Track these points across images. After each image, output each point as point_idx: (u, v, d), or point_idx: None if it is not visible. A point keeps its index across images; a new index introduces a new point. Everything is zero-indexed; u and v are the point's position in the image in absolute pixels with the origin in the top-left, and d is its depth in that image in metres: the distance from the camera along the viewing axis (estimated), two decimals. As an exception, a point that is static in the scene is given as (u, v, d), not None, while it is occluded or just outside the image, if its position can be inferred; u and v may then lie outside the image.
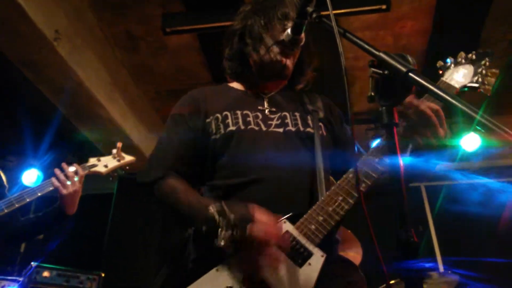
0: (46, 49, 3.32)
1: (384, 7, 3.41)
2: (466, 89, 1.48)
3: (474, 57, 1.54)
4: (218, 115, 1.50)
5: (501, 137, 0.77)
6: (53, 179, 2.24)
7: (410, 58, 0.95)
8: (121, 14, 3.85)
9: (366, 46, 1.04)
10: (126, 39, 4.15)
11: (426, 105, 1.26)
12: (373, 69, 0.96)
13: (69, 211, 2.24)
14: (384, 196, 1.44)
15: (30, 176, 5.24)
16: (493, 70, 1.49)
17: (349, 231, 3.19)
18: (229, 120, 1.48)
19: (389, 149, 0.95)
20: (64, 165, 2.30)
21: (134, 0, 3.70)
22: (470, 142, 4.93)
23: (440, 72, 1.56)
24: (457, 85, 1.46)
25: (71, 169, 2.29)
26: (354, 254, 3.14)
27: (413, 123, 1.26)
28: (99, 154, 4.82)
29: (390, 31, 4.11)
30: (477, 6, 3.72)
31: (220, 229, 1.16)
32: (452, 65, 1.55)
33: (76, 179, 2.27)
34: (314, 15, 1.27)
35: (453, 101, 0.81)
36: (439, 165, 1.35)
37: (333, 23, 1.14)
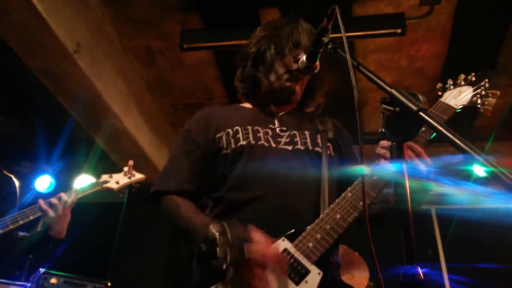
0: (67, 61, 3.40)
1: (399, 31, 3.44)
2: (459, 110, 1.49)
3: (473, 78, 1.57)
4: (229, 130, 1.53)
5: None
6: (41, 202, 2.22)
7: (421, 97, 0.97)
8: (141, 29, 3.94)
9: (379, 82, 1.07)
10: (145, 53, 4.23)
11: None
12: (384, 105, 0.98)
13: (56, 235, 2.20)
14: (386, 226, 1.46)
15: (43, 182, 5.33)
16: (494, 91, 1.52)
17: (356, 253, 3.19)
18: (240, 135, 1.51)
19: (397, 187, 0.96)
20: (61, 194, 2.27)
21: (154, 16, 3.79)
22: (480, 167, 4.86)
23: (439, 93, 1.58)
24: (456, 106, 1.48)
25: (62, 196, 2.27)
26: (361, 278, 3.12)
27: None
28: (111, 163, 4.89)
29: (405, 54, 4.13)
30: (493, 31, 3.72)
31: (218, 249, 1.17)
32: (452, 87, 1.57)
33: (66, 204, 2.24)
34: (329, 46, 1.30)
35: (459, 143, 0.83)
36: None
37: (348, 57, 1.16)
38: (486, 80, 1.54)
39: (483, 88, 1.51)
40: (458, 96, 1.51)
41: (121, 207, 5.45)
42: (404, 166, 0.95)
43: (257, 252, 1.18)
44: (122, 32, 4.01)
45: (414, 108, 0.92)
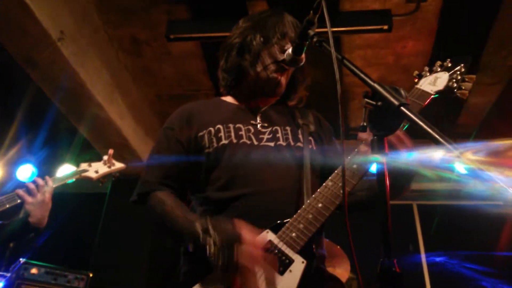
0: (50, 49, 3.34)
1: (385, 27, 3.46)
2: (436, 95, 1.52)
3: (449, 64, 1.59)
4: (211, 128, 1.52)
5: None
6: (18, 190, 2.20)
7: (402, 92, 0.98)
8: (126, 18, 3.89)
9: (362, 76, 1.07)
10: (130, 42, 4.18)
11: None
12: (366, 99, 0.99)
13: (36, 224, 2.16)
14: (366, 213, 1.49)
15: (25, 172, 5.24)
16: (470, 76, 1.54)
17: (338, 246, 3.22)
18: (222, 134, 1.50)
19: (377, 177, 0.97)
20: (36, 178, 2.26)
21: (141, 5, 3.74)
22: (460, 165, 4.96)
23: (416, 80, 1.60)
24: (431, 91, 1.50)
25: (41, 181, 2.25)
26: (342, 271, 3.16)
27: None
28: (95, 153, 4.83)
29: (391, 50, 4.17)
30: (478, 30, 3.78)
31: (208, 247, 1.18)
32: (428, 73, 1.60)
33: (46, 188, 2.23)
34: (315, 39, 1.30)
35: (439, 138, 0.84)
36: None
37: (332, 50, 1.17)
38: (462, 65, 1.56)
39: (458, 72, 1.54)
40: (435, 82, 1.54)
41: (104, 198, 5.40)
42: (384, 160, 0.97)
43: (246, 256, 1.18)
44: (107, 21, 3.94)
45: (396, 102, 0.94)
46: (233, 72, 1.64)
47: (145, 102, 5.08)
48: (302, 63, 1.50)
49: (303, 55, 1.46)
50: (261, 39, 1.58)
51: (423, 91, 1.51)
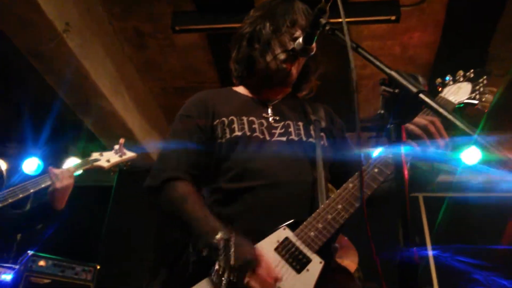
0: (56, 41, 3.33)
1: (393, 18, 3.44)
2: (461, 105, 1.52)
3: (472, 75, 1.59)
4: (224, 119, 1.51)
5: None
6: (50, 171, 2.25)
7: (420, 79, 0.97)
8: (131, 10, 3.87)
9: (378, 63, 1.06)
10: (135, 35, 4.16)
11: (422, 117, 1.30)
12: (384, 87, 0.97)
13: (57, 206, 2.22)
14: (382, 208, 1.47)
15: (31, 165, 5.25)
16: (491, 88, 1.54)
17: (345, 237, 3.21)
18: (235, 125, 1.49)
19: (395, 165, 0.96)
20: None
21: (145, -3, 3.72)
22: (471, 156, 4.95)
23: (439, 89, 1.60)
24: (455, 101, 1.50)
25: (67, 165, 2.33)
26: (350, 262, 3.15)
27: (411, 133, 1.29)
28: (100, 145, 4.84)
29: (398, 41, 4.13)
30: (486, 22, 3.74)
31: (217, 264, 1.15)
32: (451, 82, 1.60)
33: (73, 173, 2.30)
34: (327, 27, 1.28)
35: (459, 123, 0.83)
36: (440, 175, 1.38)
37: (347, 38, 1.15)
38: (485, 77, 1.55)
39: (481, 85, 1.53)
40: (458, 92, 1.54)
41: (110, 190, 5.41)
42: (402, 152, 0.95)
43: (259, 281, 1.16)
44: (112, 13, 3.92)
45: (414, 89, 0.92)
46: (244, 63, 1.63)
47: (149, 95, 5.07)
48: (312, 53, 1.48)
49: (314, 45, 1.44)
50: (271, 27, 1.56)
51: (447, 100, 1.50)
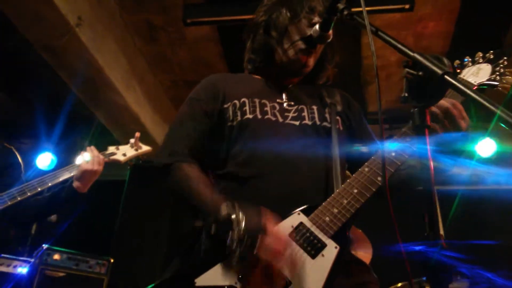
0: (68, 35, 3.34)
1: (407, 6, 3.38)
2: (484, 87, 1.49)
3: (492, 56, 1.54)
4: (236, 101, 1.49)
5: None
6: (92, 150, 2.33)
7: (445, 60, 0.94)
8: (142, 3, 3.86)
9: (400, 46, 1.03)
10: (146, 28, 4.15)
11: (444, 100, 1.27)
12: (407, 69, 0.95)
13: (81, 190, 2.30)
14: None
15: (44, 160, 5.30)
16: (511, 70, 1.50)
17: (359, 230, 3.18)
18: (247, 108, 1.47)
19: (419, 150, 0.94)
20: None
21: (156, -11, 3.71)
22: (486, 147, 4.87)
23: (458, 70, 1.56)
24: (475, 83, 1.47)
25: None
26: (364, 254, 3.12)
27: (433, 115, 1.26)
28: (113, 140, 4.86)
29: (411, 31, 4.07)
30: (501, 11, 3.66)
31: (230, 235, 1.15)
32: (470, 64, 1.56)
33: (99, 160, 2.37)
34: (345, 12, 1.26)
35: (489, 105, 0.80)
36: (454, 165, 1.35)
37: (366, 21, 1.13)
38: (505, 58, 1.51)
39: (501, 66, 1.49)
40: (477, 73, 1.50)
41: (123, 185, 5.44)
42: (428, 140, 0.92)
43: (269, 250, 1.15)
44: (123, 6, 3.92)
45: (439, 71, 0.90)
46: (261, 52, 1.59)
47: (160, 88, 5.07)
48: (329, 39, 1.45)
49: (331, 31, 1.42)
50: (288, 14, 1.52)
51: (466, 81, 1.47)
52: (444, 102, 1.26)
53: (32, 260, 3.34)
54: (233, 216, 1.16)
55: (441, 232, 0.90)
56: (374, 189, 1.26)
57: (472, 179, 5.26)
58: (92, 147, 2.40)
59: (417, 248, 0.81)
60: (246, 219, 1.16)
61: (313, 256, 1.20)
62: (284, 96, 1.56)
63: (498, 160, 4.98)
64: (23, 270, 3.14)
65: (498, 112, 0.75)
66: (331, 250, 1.20)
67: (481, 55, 1.55)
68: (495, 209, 4.79)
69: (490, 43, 3.89)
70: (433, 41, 4.16)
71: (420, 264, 0.84)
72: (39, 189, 2.22)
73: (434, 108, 1.24)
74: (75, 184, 2.28)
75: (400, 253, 0.92)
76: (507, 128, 0.79)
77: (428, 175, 0.93)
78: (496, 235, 4.60)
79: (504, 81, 1.48)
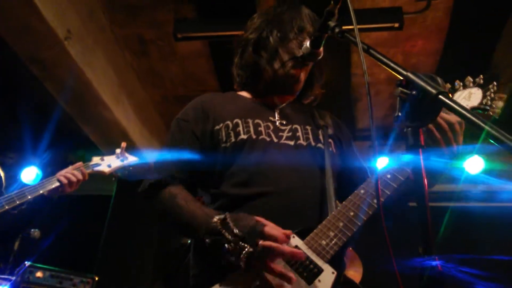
0: (57, 48, 3.30)
1: (397, 25, 3.42)
2: (478, 111, 1.50)
3: (481, 81, 1.56)
4: (229, 122, 1.47)
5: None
6: (61, 178, 2.23)
7: (439, 80, 0.93)
8: (133, 17, 3.85)
9: (393, 65, 1.02)
10: (137, 42, 4.14)
11: (443, 117, 1.27)
12: (401, 88, 0.93)
13: (54, 196, 2.31)
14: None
15: (29, 174, 5.19)
16: (500, 94, 1.51)
17: (350, 248, 3.15)
18: (240, 128, 1.45)
19: (413, 173, 0.92)
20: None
21: (147, 4, 3.69)
22: (474, 165, 4.91)
23: (449, 95, 1.56)
24: (468, 107, 1.47)
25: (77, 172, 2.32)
26: (354, 273, 3.10)
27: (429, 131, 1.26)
28: (99, 155, 4.79)
29: (400, 49, 4.11)
30: (489, 30, 3.72)
31: (227, 244, 1.13)
32: (461, 87, 1.57)
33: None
34: (336, 30, 1.25)
35: (485, 126, 0.79)
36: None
37: (358, 39, 1.13)
38: (495, 83, 1.53)
39: (491, 91, 1.51)
40: (469, 98, 1.51)
41: (109, 200, 5.35)
42: (421, 157, 0.91)
43: (271, 248, 1.12)
44: (113, 20, 3.90)
45: (433, 91, 0.88)
46: (249, 70, 1.59)
47: (150, 103, 5.03)
48: (320, 57, 1.45)
49: (321, 49, 1.41)
50: (278, 34, 1.53)
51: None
52: (451, 117, 1.26)
53: (14, 278, 3.24)
54: (228, 225, 1.15)
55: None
56: (370, 212, 1.24)
57: (485, 195, 5.27)
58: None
59: (434, 263, 0.78)
60: (242, 225, 1.14)
61: (309, 282, 1.16)
62: (276, 114, 1.54)
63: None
64: (3, 288, 3.05)
65: (499, 136, 0.73)
66: (328, 275, 1.17)
67: (471, 80, 1.57)
68: (484, 226, 4.82)
69: (479, 60, 3.94)
70: (421, 60, 4.20)
71: (434, 280, 0.81)
72: (18, 202, 2.16)
73: (440, 119, 1.25)
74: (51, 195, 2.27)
75: (397, 268, 0.90)
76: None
77: (419, 191, 0.91)
78: (481, 250, 4.62)
79: (494, 106, 1.50)
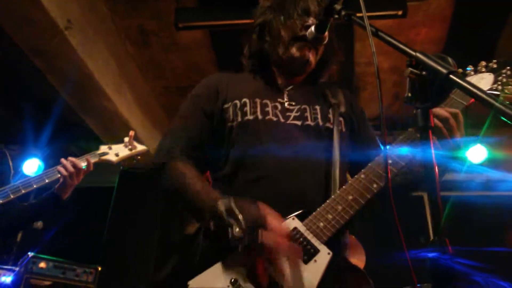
0: (58, 38, 3.28)
1: (400, 13, 3.39)
2: None
3: (495, 65, 1.54)
4: (237, 101, 1.47)
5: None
6: (61, 169, 2.22)
7: (450, 59, 0.92)
8: (134, 8, 3.82)
9: (402, 46, 1.01)
10: (138, 33, 4.11)
11: (436, 113, 1.26)
12: (411, 69, 0.92)
13: (64, 197, 2.27)
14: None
15: (32, 166, 5.20)
16: None
17: (352, 235, 3.15)
18: (247, 108, 1.45)
19: (422, 152, 0.91)
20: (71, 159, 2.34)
21: (148, -6, 3.67)
22: (477, 154, 4.90)
23: None
24: None
25: (81, 161, 2.31)
26: (357, 261, 3.08)
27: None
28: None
29: (404, 38, 4.07)
30: (493, 18, 3.69)
31: (230, 229, 1.13)
32: (472, 72, 1.55)
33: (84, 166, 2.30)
34: (343, 13, 1.24)
35: (497, 104, 0.78)
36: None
37: (366, 22, 1.11)
38: (508, 68, 1.51)
39: (504, 75, 1.48)
40: (479, 82, 1.49)
41: (112, 191, 5.35)
42: (431, 137, 0.90)
43: (271, 241, 1.14)
44: (114, 10, 3.88)
45: (444, 71, 0.87)
46: (256, 57, 1.59)
47: (152, 94, 5.02)
48: (325, 42, 1.44)
49: (326, 33, 1.40)
50: (282, 18, 1.51)
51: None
52: (443, 112, 1.26)
53: (17, 268, 3.25)
54: (232, 212, 1.15)
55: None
56: (369, 196, 1.26)
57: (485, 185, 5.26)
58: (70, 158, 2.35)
59: (430, 255, 0.77)
60: (246, 213, 1.15)
61: (306, 262, 1.19)
62: (285, 95, 1.53)
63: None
64: (7, 279, 3.06)
65: (510, 112, 0.71)
66: (324, 256, 1.20)
67: (484, 64, 1.54)
68: (484, 216, 4.82)
69: (483, 48, 3.91)
70: (425, 48, 4.17)
71: (429, 272, 0.81)
72: (23, 191, 2.16)
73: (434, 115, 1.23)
74: (58, 192, 2.27)
75: (402, 259, 0.90)
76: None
77: (430, 179, 0.90)
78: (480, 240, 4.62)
79: (506, 91, 1.47)
